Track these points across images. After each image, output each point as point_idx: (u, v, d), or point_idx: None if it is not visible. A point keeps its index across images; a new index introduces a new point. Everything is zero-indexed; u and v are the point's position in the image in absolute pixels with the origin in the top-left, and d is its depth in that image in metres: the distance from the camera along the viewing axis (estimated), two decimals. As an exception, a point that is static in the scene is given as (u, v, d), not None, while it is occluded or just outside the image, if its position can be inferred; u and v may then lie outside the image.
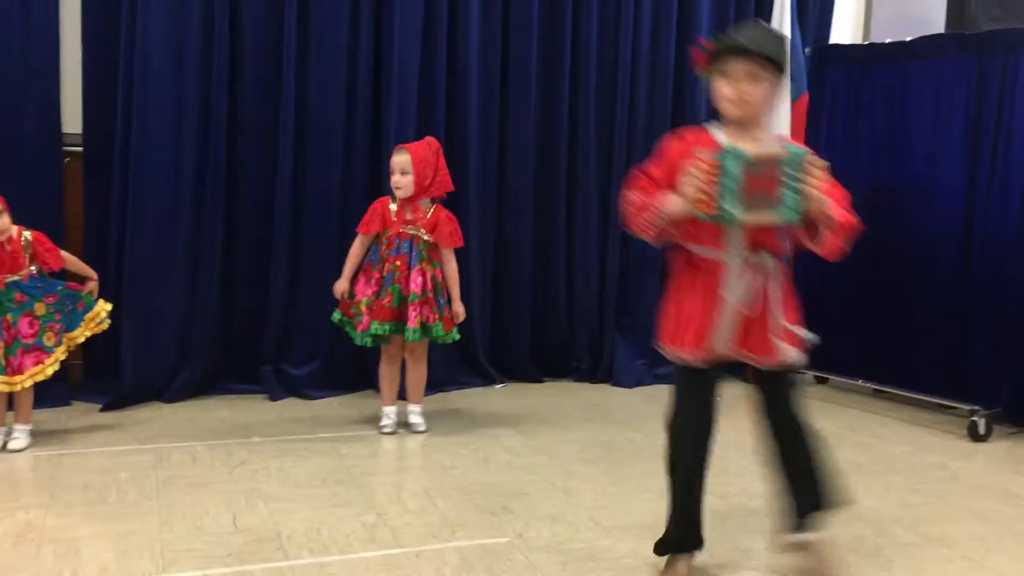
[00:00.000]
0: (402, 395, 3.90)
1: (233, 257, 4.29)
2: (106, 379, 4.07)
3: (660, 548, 2.49)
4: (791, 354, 2.34)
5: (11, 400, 3.40)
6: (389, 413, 3.83)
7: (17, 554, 2.50)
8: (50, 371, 3.39)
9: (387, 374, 3.83)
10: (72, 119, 4.03)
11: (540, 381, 4.85)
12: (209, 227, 4.18)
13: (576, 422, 4.11)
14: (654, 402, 4.51)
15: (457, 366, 4.60)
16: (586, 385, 4.83)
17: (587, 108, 4.80)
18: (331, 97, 4.30)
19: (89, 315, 3.48)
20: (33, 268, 3.38)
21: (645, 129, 4.86)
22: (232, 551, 2.54)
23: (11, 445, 3.36)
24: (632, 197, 2.32)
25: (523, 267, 4.79)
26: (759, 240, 2.27)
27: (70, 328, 3.43)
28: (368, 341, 3.71)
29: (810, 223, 2.22)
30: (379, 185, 4.20)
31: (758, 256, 2.28)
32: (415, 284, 3.65)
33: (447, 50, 4.50)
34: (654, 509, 2.97)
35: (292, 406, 4.18)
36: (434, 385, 4.21)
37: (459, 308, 3.78)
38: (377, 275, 3.68)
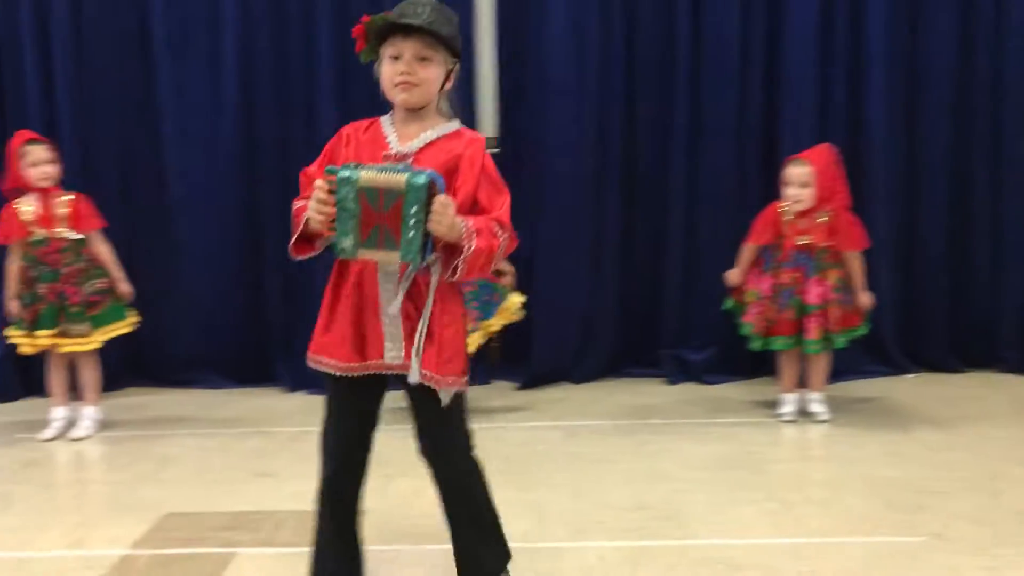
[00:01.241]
0: (802, 382, 3.79)
1: (632, 251, 4.49)
2: (520, 361, 4.42)
3: None
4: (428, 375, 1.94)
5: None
6: (789, 400, 3.75)
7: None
8: None
9: (786, 361, 3.75)
10: (487, 128, 4.43)
11: (959, 371, 4.42)
12: (610, 225, 4.43)
13: (1004, 417, 3.71)
14: (1104, 398, 3.93)
15: (860, 355, 4.35)
16: (1015, 377, 4.33)
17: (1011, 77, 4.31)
18: (723, 91, 4.33)
19: (504, 305, 3.78)
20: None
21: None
22: (635, 526, 2.66)
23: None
24: (296, 203, 2.00)
25: (935, 249, 4.46)
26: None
27: (486, 316, 3.75)
28: (758, 344, 3.71)
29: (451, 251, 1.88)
30: (772, 179, 4.07)
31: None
32: (813, 296, 3.57)
33: (847, 43, 4.34)
34: (1105, 518, 2.61)
35: (690, 390, 4.26)
36: (835, 374, 4.02)
37: (865, 299, 3.64)
38: (771, 280, 3.64)
